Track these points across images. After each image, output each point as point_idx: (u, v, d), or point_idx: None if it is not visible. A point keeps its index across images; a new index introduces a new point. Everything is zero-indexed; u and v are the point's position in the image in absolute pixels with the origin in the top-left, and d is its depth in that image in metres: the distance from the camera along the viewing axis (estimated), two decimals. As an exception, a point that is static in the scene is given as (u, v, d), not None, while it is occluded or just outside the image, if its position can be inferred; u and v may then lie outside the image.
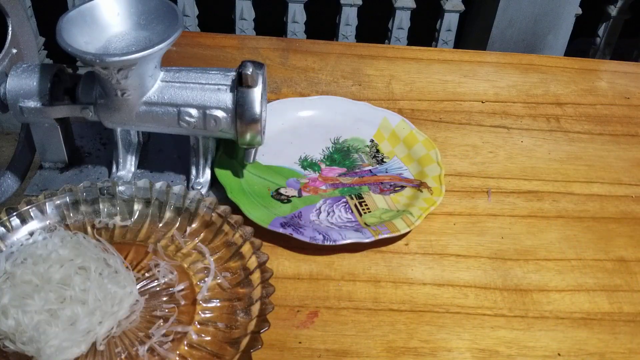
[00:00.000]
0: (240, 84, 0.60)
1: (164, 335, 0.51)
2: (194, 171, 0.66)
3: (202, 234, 0.59)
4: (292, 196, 0.67)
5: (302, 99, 0.77)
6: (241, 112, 0.60)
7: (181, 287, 0.55)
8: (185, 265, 0.56)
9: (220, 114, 0.60)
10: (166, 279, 0.55)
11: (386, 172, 0.70)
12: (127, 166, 0.67)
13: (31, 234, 0.57)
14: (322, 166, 0.70)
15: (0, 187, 0.66)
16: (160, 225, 0.60)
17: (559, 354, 0.55)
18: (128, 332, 0.51)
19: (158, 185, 0.61)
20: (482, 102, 0.83)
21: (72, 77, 0.63)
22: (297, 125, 0.75)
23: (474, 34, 1.65)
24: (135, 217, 0.61)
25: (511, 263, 0.62)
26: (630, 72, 0.90)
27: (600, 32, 1.70)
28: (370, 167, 0.71)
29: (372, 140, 0.74)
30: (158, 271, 0.55)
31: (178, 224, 0.60)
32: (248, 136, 0.62)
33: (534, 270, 0.62)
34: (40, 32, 1.64)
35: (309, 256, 0.61)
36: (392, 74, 0.86)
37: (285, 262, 0.61)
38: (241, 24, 1.61)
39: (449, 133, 0.77)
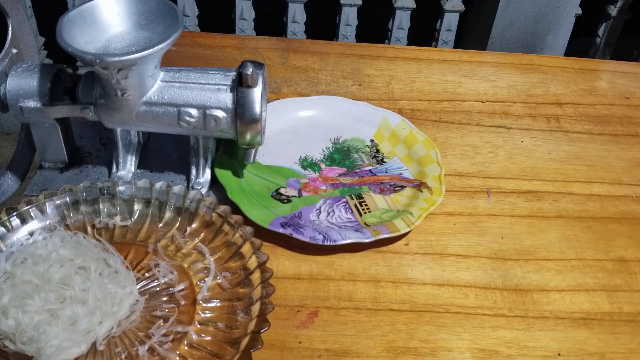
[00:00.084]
0: (240, 84, 0.60)
1: (164, 335, 0.51)
2: (194, 171, 0.66)
3: (202, 234, 0.59)
4: (292, 196, 0.67)
5: (302, 99, 0.77)
6: (241, 112, 0.60)
7: (181, 287, 0.55)
8: (185, 265, 0.57)
9: (220, 114, 0.60)
10: (166, 279, 0.55)
11: (386, 172, 0.70)
12: (127, 166, 0.67)
13: (31, 234, 0.57)
14: (322, 166, 0.70)
15: (0, 187, 0.66)
16: (160, 225, 0.60)
17: (559, 354, 0.55)
18: (128, 332, 0.51)
19: (158, 185, 0.61)
20: (482, 102, 0.83)
21: (72, 77, 0.63)
22: (297, 125, 0.75)
23: (474, 34, 1.65)
24: (135, 217, 0.61)
25: (511, 263, 0.62)
26: (630, 72, 0.90)
27: (600, 32, 1.70)
28: (370, 167, 0.71)
29: (372, 140, 0.74)
30: (158, 271, 0.55)
31: (178, 224, 0.60)
32: (248, 136, 0.62)
33: (534, 270, 0.62)
34: (40, 32, 1.64)
35: (309, 256, 0.61)
36: (392, 74, 0.86)
37: (285, 262, 0.61)
38: (241, 24, 1.61)
39: (449, 133, 0.77)
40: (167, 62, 0.62)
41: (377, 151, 0.72)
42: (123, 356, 0.50)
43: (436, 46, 1.64)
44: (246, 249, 0.57)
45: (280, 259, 0.61)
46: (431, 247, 0.63)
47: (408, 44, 1.62)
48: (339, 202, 0.66)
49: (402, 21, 1.60)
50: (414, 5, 1.59)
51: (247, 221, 0.60)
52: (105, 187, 0.61)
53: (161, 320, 0.52)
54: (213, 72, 0.62)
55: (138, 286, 0.54)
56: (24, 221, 0.58)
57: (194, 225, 0.60)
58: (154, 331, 0.51)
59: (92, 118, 0.62)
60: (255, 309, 0.53)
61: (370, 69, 0.87)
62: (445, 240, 0.64)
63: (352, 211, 0.65)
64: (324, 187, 0.68)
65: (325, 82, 0.84)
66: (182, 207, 0.61)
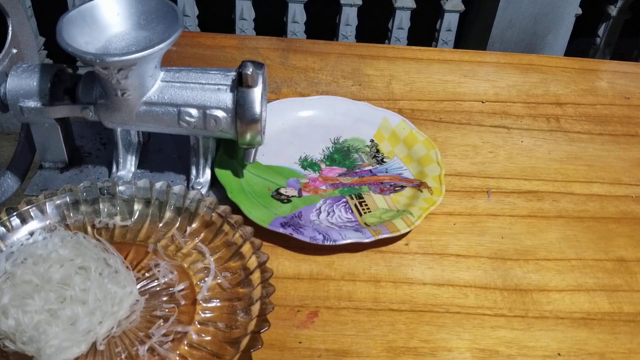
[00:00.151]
0: (241, 84, 0.60)
1: (164, 335, 0.51)
2: (194, 171, 0.66)
3: (202, 234, 0.59)
4: (292, 196, 0.67)
5: (302, 99, 0.77)
6: (241, 112, 0.60)
7: (181, 287, 0.55)
8: (185, 265, 0.57)
9: (220, 114, 0.60)
10: (166, 279, 0.55)
11: (386, 172, 0.70)
12: (127, 166, 0.67)
13: (31, 233, 0.57)
14: (322, 166, 0.70)
15: (0, 187, 0.66)
16: (161, 225, 0.60)
17: (559, 354, 0.55)
18: (128, 332, 0.51)
19: (158, 185, 0.61)
20: (482, 102, 0.83)
21: (72, 77, 0.63)
22: (297, 125, 0.75)
23: (474, 34, 1.65)
24: (136, 217, 0.61)
25: (511, 263, 0.62)
26: (630, 72, 0.90)
27: (600, 32, 1.70)
28: (370, 167, 0.71)
29: (372, 140, 0.74)
30: (158, 271, 0.55)
31: (178, 224, 0.60)
32: (248, 136, 0.62)
33: (534, 270, 0.62)
34: (40, 32, 1.64)
35: (309, 256, 0.61)
36: (392, 74, 0.86)
37: (285, 262, 0.61)
38: (241, 24, 1.61)
39: (449, 133, 0.78)
40: (167, 62, 0.62)
41: (377, 151, 0.72)
42: (123, 356, 0.50)
43: (436, 46, 1.64)
44: (246, 249, 0.57)
45: (280, 259, 0.61)
46: (431, 247, 0.63)
47: (408, 44, 1.62)
48: (339, 202, 0.66)
49: (402, 21, 1.60)
50: (414, 5, 1.59)
51: (247, 221, 0.60)
52: (105, 187, 0.61)
53: (161, 320, 0.52)
54: (213, 72, 0.62)
55: (138, 286, 0.54)
56: (24, 221, 0.58)
57: (194, 225, 0.60)
58: (154, 331, 0.51)
59: (92, 118, 0.62)
60: (255, 309, 0.53)
61: (370, 69, 0.87)
62: (445, 240, 0.64)
63: (352, 211, 0.65)
64: (324, 187, 0.68)
65: (325, 82, 0.84)
66: (182, 207, 0.61)
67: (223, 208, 0.60)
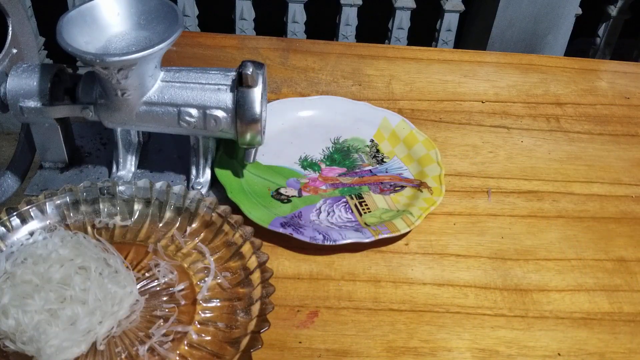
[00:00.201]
0: (241, 84, 0.60)
1: (164, 335, 0.51)
2: (194, 171, 0.66)
3: (202, 234, 0.59)
4: (292, 196, 0.67)
5: (302, 99, 0.77)
6: (241, 112, 0.60)
7: (181, 287, 0.55)
8: (185, 265, 0.57)
9: (220, 113, 0.60)
10: (166, 279, 0.55)
11: (386, 172, 0.70)
12: (127, 166, 0.67)
13: (31, 233, 0.57)
14: (322, 166, 0.70)
15: (0, 187, 0.66)
16: (161, 225, 0.60)
17: (559, 354, 0.55)
18: (128, 331, 0.51)
19: (158, 185, 0.61)
20: (482, 102, 0.83)
21: (72, 77, 0.63)
22: (297, 125, 0.75)
23: (474, 34, 1.65)
24: (136, 217, 0.61)
25: (511, 263, 0.62)
26: (630, 72, 0.90)
27: (600, 32, 1.70)
28: (370, 167, 0.71)
29: (372, 140, 0.74)
30: (158, 271, 0.55)
31: (178, 223, 0.60)
32: (248, 136, 0.62)
33: (534, 270, 0.62)
34: (40, 32, 1.64)
35: (309, 256, 0.61)
36: (392, 74, 0.86)
37: (285, 262, 0.61)
38: (241, 24, 1.61)
39: (449, 133, 0.78)
40: (167, 62, 0.62)
41: (377, 151, 0.72)
42: (123, 356, 0.50)
43: (436, 46, 1.64)
44: (246, 248, 0.57)
45: (280, 258, 0.61)
46: (431, 247, 0.63)
47: (408, 44, 1.62)
48: (339, 202, 0.66)
49: (402, 21, 1.60)
50: (414, 5, 1.59)
51: (247, 221, 0.60)
52: (105, 187, 0.61)
53: (161, 320, 0.52)
54: (213, 72, 0.62)
55: (138, 286, 0.54)
56: (24, 221, 0.58)
57: (194, 225, 0.60)
58: (154, 331, 0.51)
59: (92, 118, 0.62)
60: (255, 308, 0.53)
61: (370, 69, 0.87)
62: (445, 240, 0.64)
63: (352, 211, 0.65)
64: (324, 187, 0.68)
65: (325, 82, 0.84)
66: (182, 207, 0.61)
67: (223, 208, 0.60)
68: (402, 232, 0.61)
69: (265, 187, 0.67)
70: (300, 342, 0.54)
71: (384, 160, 0.71)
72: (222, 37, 0.91)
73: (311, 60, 0.88)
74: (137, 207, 0.61)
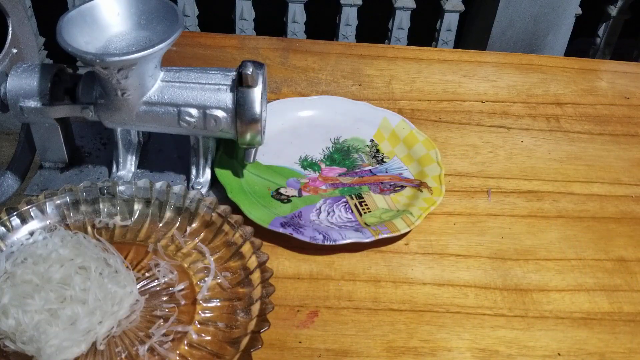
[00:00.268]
0: (241, 84, 0.60)
1: (164, 334, 0.51)
2: (194, 171, 0.66)
3: (202, 234, 0.59)
4: (292, 196, 0.67)
5: (302, 99, 0.77)
6: (241, 112, 0.60)
7: (181, 286, 0.55)
8: (186, 265, 0.57)
9: (220, 113, 0.60)
10: (166, 279, 0.55)
11: (386, 172, 0.70)
12: (127, 166, 0.67)
13: (31, 233, 0.57)
14: (322, 166, 0.70)
15: (0, 187, 0.66)
16: (161, 225, 0.60)
17: (559, 354, 0.55)
18: (128, 331, 0.51)
19: (158, 185, 0.61)
20: (482, 102, 0.83)
21: (72, 77, 0.63)
22: (297, 125, 0.75)
23: (474, 34, 1.65)
24: (136, 216, 0.61)
25: (511, 263, 0.62)
26: (630, 72, 0.90)
27: (600, 32, 1.70)
28: (370, 167, 0.71)
29: (372, 140, 0.74)
30: (158, 271, 0.55)
31: (178, 223, 0.60)
32: (248, 136, 0.62)
33: (534, 270, 0.62)
34: (40, 32, 1.64)
35: (309, 256, 0.61)
36: (392, 74, 0.86)
37: (285, 262, 0.61)
38: (241, 24, 1.62)
39: (449, 133, 0.78)
40: (167, 62, 0.62)
41: (377, 151, 0.72)
42: (123, 356, 0.50)
43: (436, 46, 1.64)
44: (246, 248, 0.57)
45: (280, 258, 0.61)
46: (431, 247, 0.63)
47: (408, 44, 1.62)
48: (339, 202, 0.66)
49: (402, 21, 1.61)
50: (414, 5, 1.59)
51: (247, 221, 0.60)
52: (105, 187, 0.61)
53: (161, 320, 0.52)
54: (213, 72, 0.62)
55: (138, 286, 0.54)
56: (24, 221, 0.58)
57: (194, 225, 0.60)
58: (154, 331, 0.51)
59: (92, 118, 0.62)
60: (255, 308, 0.53)
61: (370, 69, 0.87)
62: (445, 240, 0.64)
63: (352, 211, 0.65)
64: (324, 187, 0.68)
65: (325, 82, 0.84)
66: (182, 207, 0.61)
67: (223, 208, 0.60)
68: (402, 232, 0.61)
69: (265, 187, 0.67)
70: (300, 342, 0.54)
71: (384, 160, 0.71)
72: (222, 37, 0.91)
73: (311, 60, 0.88)
74: (137, 207, 0.61)
